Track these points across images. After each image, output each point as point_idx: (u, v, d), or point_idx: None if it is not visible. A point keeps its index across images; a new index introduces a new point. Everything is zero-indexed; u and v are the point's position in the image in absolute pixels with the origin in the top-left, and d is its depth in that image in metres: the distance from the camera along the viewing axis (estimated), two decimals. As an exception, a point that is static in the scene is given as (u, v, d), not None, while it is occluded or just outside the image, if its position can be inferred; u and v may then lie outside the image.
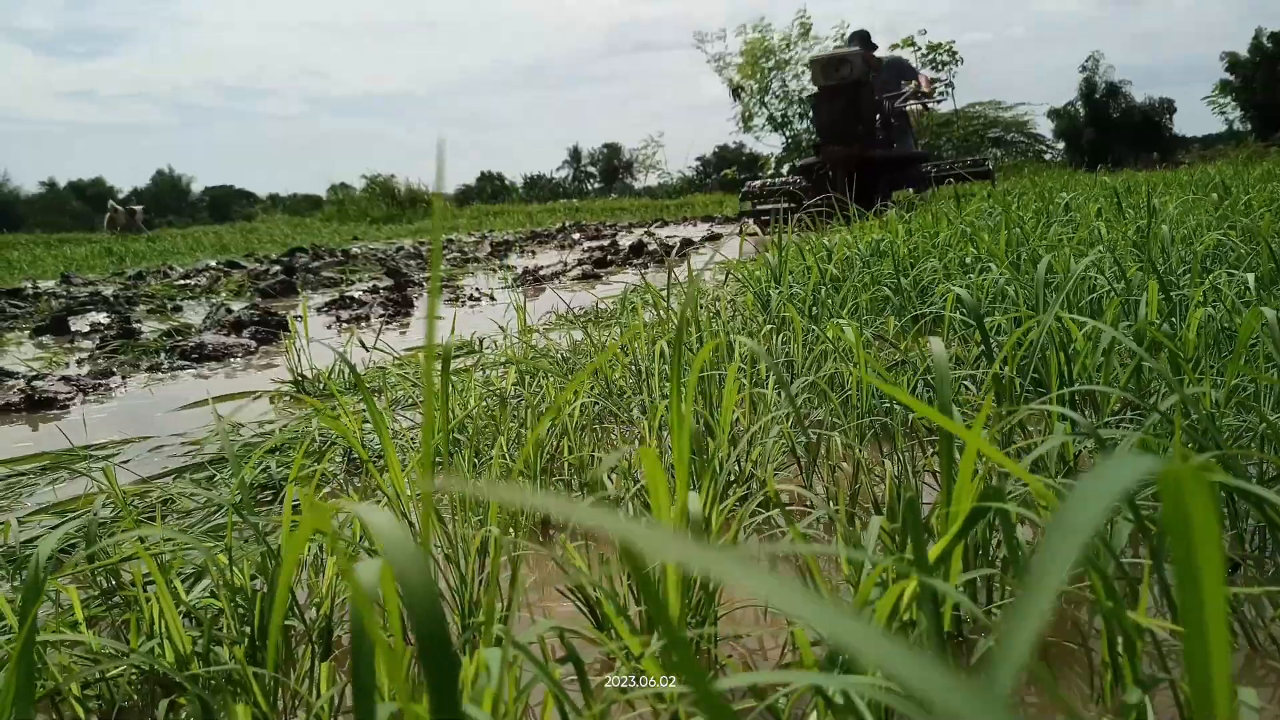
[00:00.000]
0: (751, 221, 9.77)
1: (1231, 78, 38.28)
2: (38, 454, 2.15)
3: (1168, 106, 37.51)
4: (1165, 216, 3.25)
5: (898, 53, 21.64)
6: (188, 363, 3.44)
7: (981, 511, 0.68)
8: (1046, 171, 16.54)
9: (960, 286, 2.45)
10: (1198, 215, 3.53)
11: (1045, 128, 29.68)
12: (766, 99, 21.73)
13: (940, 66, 21.60)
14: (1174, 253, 2.52)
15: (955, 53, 21.51)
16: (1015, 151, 22.55)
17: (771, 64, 21.35)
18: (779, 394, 1.50)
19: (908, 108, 10.67)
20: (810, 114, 9.58)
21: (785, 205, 9.00)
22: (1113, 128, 36.12)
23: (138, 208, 23.80)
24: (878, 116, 9.96)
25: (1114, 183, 7.08)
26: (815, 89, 9.69)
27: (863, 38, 10.23)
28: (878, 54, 10.36)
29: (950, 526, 0.71)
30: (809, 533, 1.16)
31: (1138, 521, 0.74)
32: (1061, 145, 33.29)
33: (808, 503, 1.34)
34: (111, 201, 25.01)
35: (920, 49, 21.48)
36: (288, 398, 2.65)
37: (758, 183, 10.34)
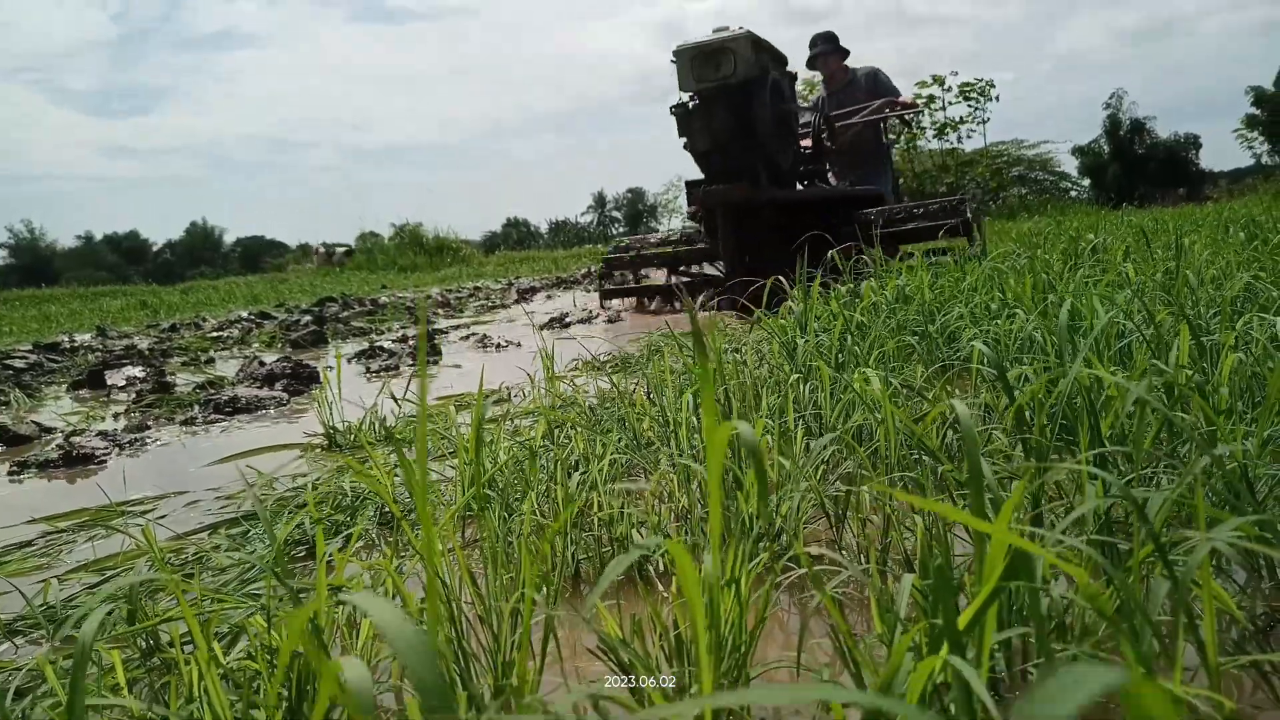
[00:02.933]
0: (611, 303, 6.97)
1: (1258, 112, 38.12)
2: (77, 510, 2.18)
3: (1193, 141, 37.36)
4: (1194, 260, 3.23)
5: (930, 91, 21.74)
6: (221, 416, 3.48)
7: (1013, 575, 0.68)
8: (1071, 209, 16.50)
9: (987, 333, 2.45)
10: (1226, 255, 3.51)
11: (1070, 165, 29.63)
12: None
13: (976, 105, 21.68)
14: (1202, 294, 2.51)
15: (993, 86, 21.58)
16: (1040, 189, 22.52)
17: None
18: (807, 446, 1.51)
19: (892, 134, 8.12)
20: (691, 141, 5.92)
21: (661, 283, 6.68)
22: (1138, 164, 35.99)
23: (339, 248, 28.67)
24: (801, 139, 6.65)
25: (1140, 221, 7.05)
26: (684, 99, 5.88)
27: (829, 39, 7.82)
28: (849, 63, 7.95)
29: (982, 590, 0.71)
30: (841, 592, 1.15)
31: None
32: (1087, 182, 33.19)
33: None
34: (322, 244, 30.33)
35: (951, 89, 21.59)
36: (320, 450, 2.68)
37: (632, 242, 7.06)
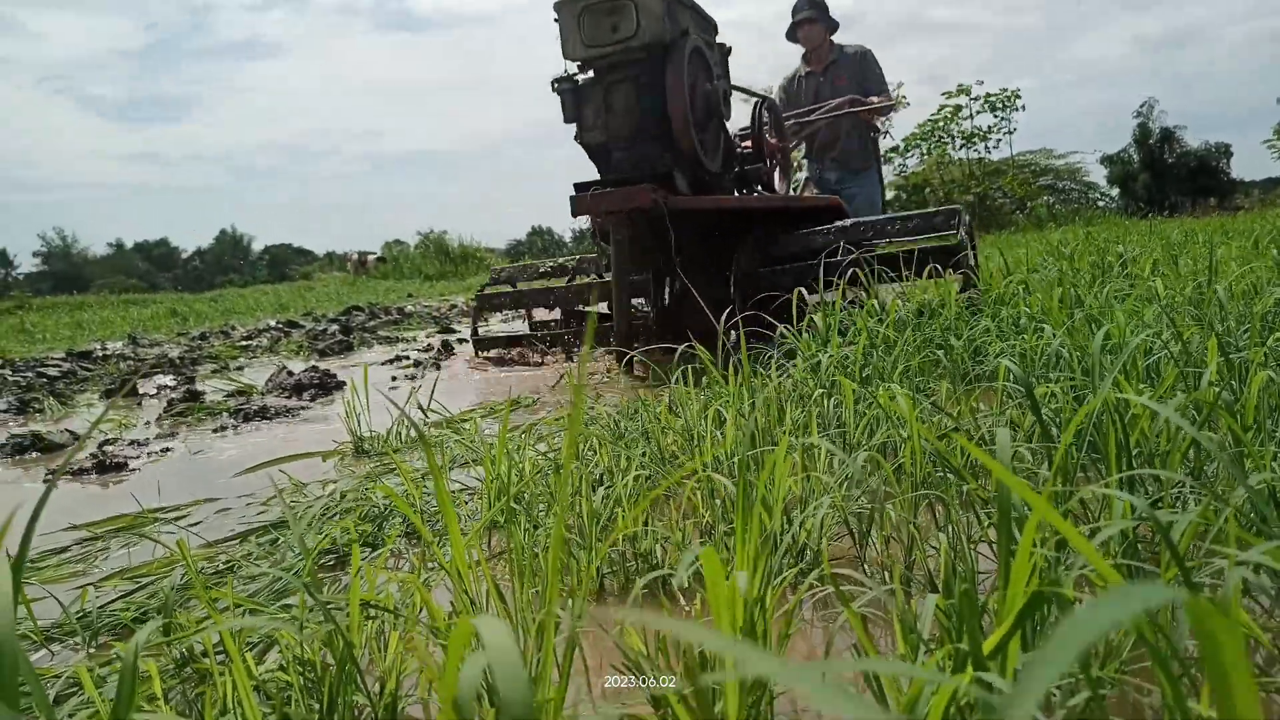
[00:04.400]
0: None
1: (1289, 120, 37.56)
2: (112, 517, 2.22)
3: (1224, 150, 36.92)
4: (1224, 274, 3.20)
5: (956, 102, 21.61)
6: (251, 424, 3.53)
7: (1039, 597, 0.69)
8: (1100, 219, 16.37)
9: (1013, 348, 2.44)
10: (1257, 270, 3.48)
11: (1098, 174, 29.41)
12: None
13: (1001, 114, 21.56)
14: (1232, 309, 2.48)
15: (1019, 96, 21.47)
16: (1068, 199, 22.35)
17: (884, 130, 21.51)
18: (831, 462, 1.51)
19: (880, 129, 6.68)
20: (581, 130, 4.18)
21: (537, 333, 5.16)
22: (1168, 173, 35.62)
23: (371, 255, 29.08)
24: (739, 137, 4.86)
25: (1169, 233, 6.97)
26: (572, 70, 4.23)
27: (816, 3, 6.26)
28: (838, 39, 6.39)
29: (1008, 612, 0.72)
30: (865, 610, 1.16)
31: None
32: (1116, 191, 32.91)
33: (864, 576, 1.34)
34: (356, 251, 30.65)
35: (978, 98, 21.49)
36: (348, 456, 2.71)
37: (513, 271, 5.66)
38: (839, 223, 4.25)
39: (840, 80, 6.24)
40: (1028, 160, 22.39)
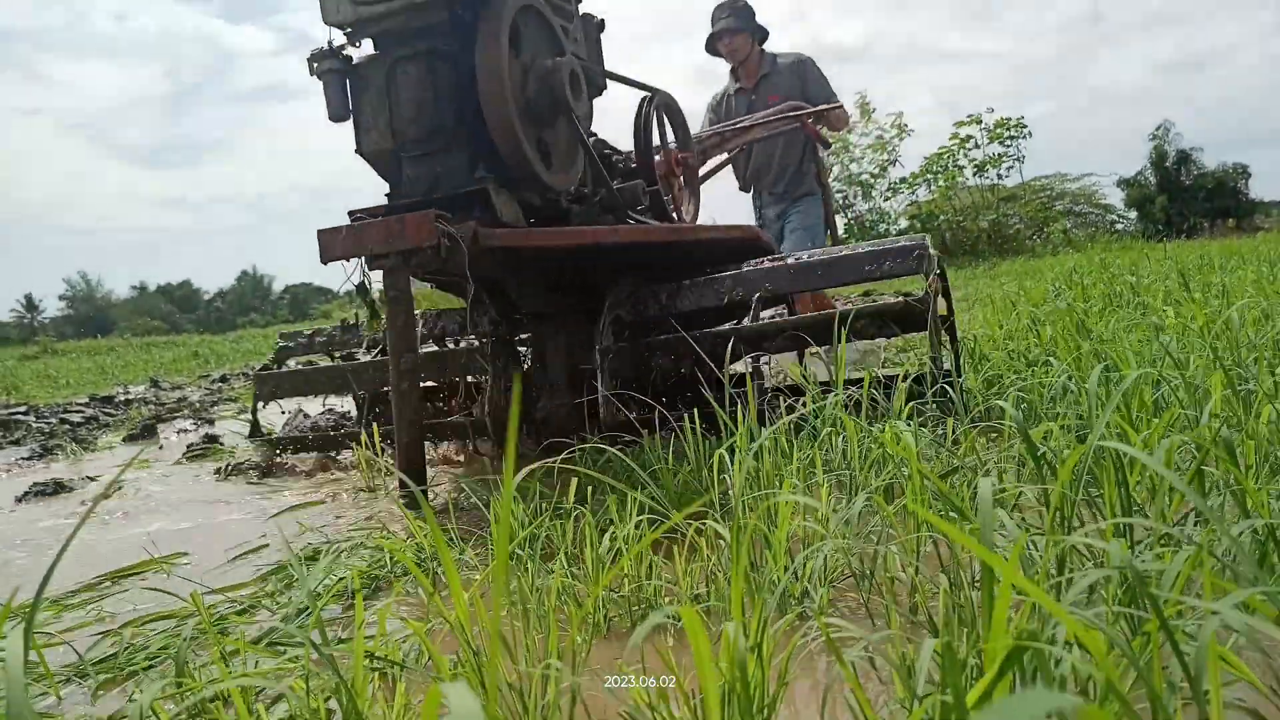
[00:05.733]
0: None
1: (1307, 140, 37.33)
2: (139, 564, 2.24)
3: (1241, 171, 36.79)
4: (1234, 299, 3.19)
5: (966, 132, 21.66)
6: (268, 468, 3.57)
7: (1020, 650, 0.70)
8: (1116, 244, 16.32)
9: (1022, 379, 2.44)
10: (1270, 296, 3.47)
11: (1115, 197, 29.34)
12: (827, 181, 21.90)
13: (1009, 142, 21.59)
14: (1243, 337, 2.48)
15: (1025, 126, 21.51)
16: (1087, 223, 22.25)
17: (833, 148, 21.60)
18: (834, 504, 1.52)
19: (829, 145, 5.60)
20: (358, 132, 2.74)
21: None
22: (1185, 195, 35.51)
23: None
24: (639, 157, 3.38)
25: (1184, 258, 6.94)
26: (337, 41, 2.70)
27: (738, 9, 5.30)
28: (769, 47, 5.43)
29: (990, 662, 0.73)
30: (867, 654, 1.16)
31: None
32: (1133, 214, 32.80)
33: (865, 618, 1.34)
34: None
35: (987, 127, 21.53)
36: (365, 492, 2.74)
37: (309, 341, 3.97)
38: (754, 267, 2.97)
39: (776, 96, 5.26)
40: (1043, 185, 22.35)
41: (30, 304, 79.97)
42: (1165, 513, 1.44)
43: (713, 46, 5.41)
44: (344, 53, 2.71)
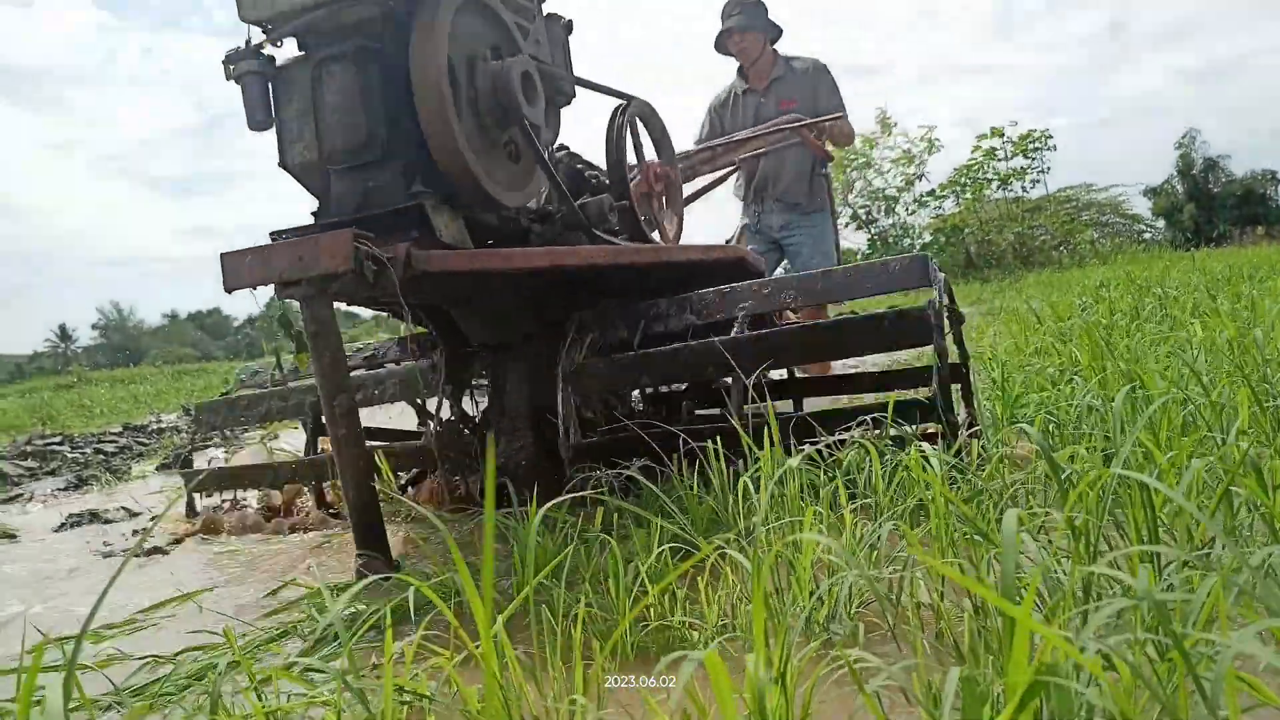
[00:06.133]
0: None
1: (1338, 144, 36.91)
2: (171, 599, 2.27)
3: (1270, 177, 36.39)
4: (1263, 314, 3.16)
5: (990, 144, 21.55)
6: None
7: (1039, 684, 0.70)
8: (1145, 254, 16.17)
9: (1047, 399, 2.44)
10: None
11: (1142, 207, 29.07)
12: (850, 197, 21.91)
13: (1033, 154, 21.46)
14: (1271, 352, 2.46)
15: (1050, 137, 21.38)
16: (1114, 233, 22.04)
17: (856, 164, 21.59)
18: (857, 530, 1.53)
19: (832, 159, 5.17)
20: (282, 143, 2.43)
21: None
22: (1214, 202, 35.17)
23: None
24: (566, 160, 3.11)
25: (1213, 268, 6.86)
26: (256, 39, 2.34)
27: (749, 5, 4.99)
28: (782, 50, 5.12)
29: (1011, 695, 0.73)
30: (888, 685, 1.16)
31: None
32: (1161, 224, 32.50)
33: (890, 642, 1.34)
34: None
35: (1011, 139, 21.42)
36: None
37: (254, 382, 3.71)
38: (716, 291, 2.62)
39: (788, 102, 4.94)
40: (1068, 196, 22.19)
41: (64, 334, 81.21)
42: (1193, 532, 1.43)
43: (722, 44, 5.14)
44: (265, 53, 2.41)
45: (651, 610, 1.43)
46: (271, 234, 2.35)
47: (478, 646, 0.97)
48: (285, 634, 1.75)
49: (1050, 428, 2.22)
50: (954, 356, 2.30)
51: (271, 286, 2.13)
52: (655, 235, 3.24)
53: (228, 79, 2.42)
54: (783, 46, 5.15)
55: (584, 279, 2.72)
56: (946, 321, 2.21)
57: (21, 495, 4.70)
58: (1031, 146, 21.29)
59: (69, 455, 5.67)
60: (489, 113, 2.41)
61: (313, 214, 2.43)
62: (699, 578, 1.48)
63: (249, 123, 2.43)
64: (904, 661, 0.93)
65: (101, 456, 5.61)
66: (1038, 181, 21.55)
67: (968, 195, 21.51)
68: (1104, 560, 1.09)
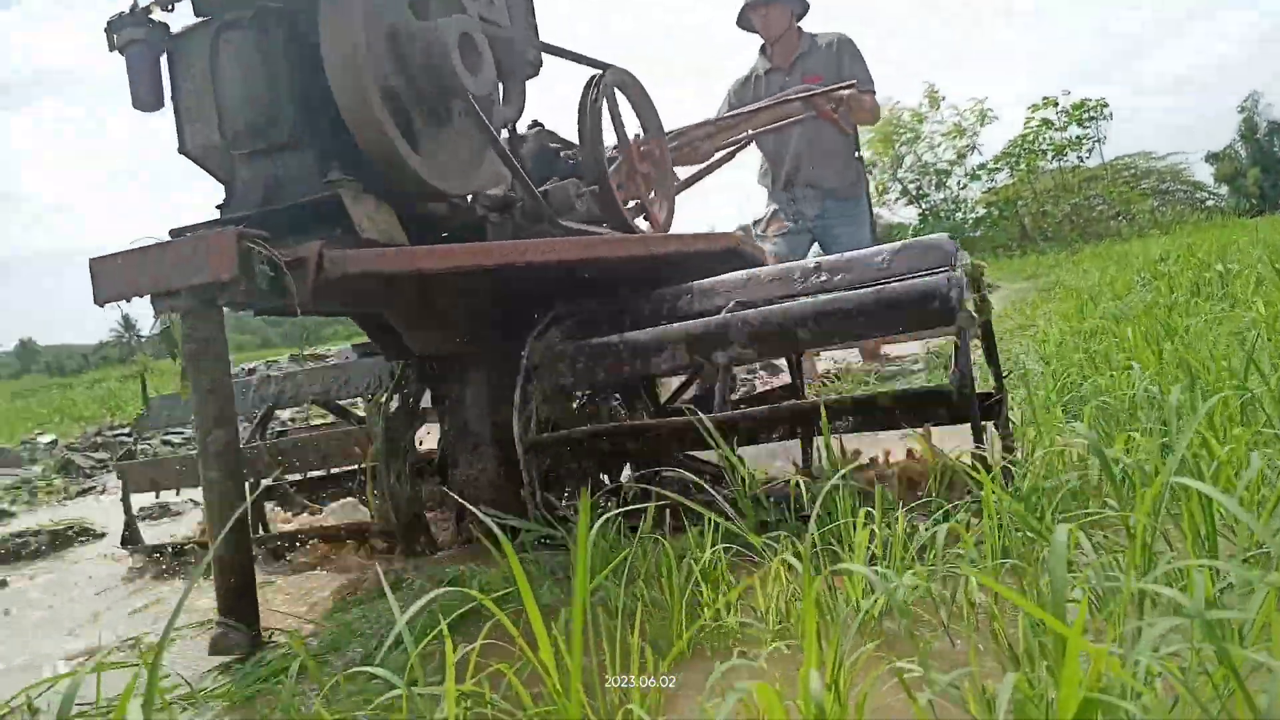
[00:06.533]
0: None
1: None
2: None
3: (1340, 138, 35.14)
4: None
5: (1044, 115, 21.05)
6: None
7: (1092, 702, 0.71)
8: (1207, 222, 15.74)
9: (1101, 388, 2.40)
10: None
11: (1204, 173, 28.23)
12: (900, 173, 21.62)
13: (1088, 123, 20.96)
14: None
15: (1106, 105, 20.86)
16: (1176, 200, 21.43)
17: (904, 138, 21.27)
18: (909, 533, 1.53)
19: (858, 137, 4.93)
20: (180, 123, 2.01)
21: None
22: (1279, 166, 34.06)
23: None
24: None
25: (1276, 243, 6.65)
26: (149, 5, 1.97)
27: None
28: (807, 27, 4.84)
29: (1064, 713, 0.74)
30: (942, 692, 1.17)
31: None
32: (1224, 190, 31.57)
33: (944, 638, 1.35)
34: None
35: (1065, 109, 20.93)
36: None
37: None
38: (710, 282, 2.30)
39: (812, 78, 4.61)
40: (1126, 164, 21.62)
41: (128, 323, 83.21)
42: (1254, 530, 1.41)
43: (745, 19, 4.84)
44: (154, 19, 2.06)
45: (705, 610, 1.45)
46: (171, 231, 1.97)
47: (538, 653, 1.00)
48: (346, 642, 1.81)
49: (1104, 415, 2.19)
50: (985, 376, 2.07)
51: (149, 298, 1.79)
52: (642, 222, 2.90)
53: (110, 49, 2.06)
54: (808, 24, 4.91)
55: (552, 276, 2.34)
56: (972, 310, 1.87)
57: (95, 488, 4.87)
58: (1086, 115, 20.79)
59: (136, 447, 5.84)
60: (423, 84, 2.02)
61: (217, 207, 2.09)
62: (754, 576, 1.49)
63: (134, 102, 2.07)
64: (958, 670, 0.94)
65: (169, 448, 5.77)
66: (1092, 151, 21.06)
67: (1022, 167, 21.08)
68: (1161, 566, 1.09)
